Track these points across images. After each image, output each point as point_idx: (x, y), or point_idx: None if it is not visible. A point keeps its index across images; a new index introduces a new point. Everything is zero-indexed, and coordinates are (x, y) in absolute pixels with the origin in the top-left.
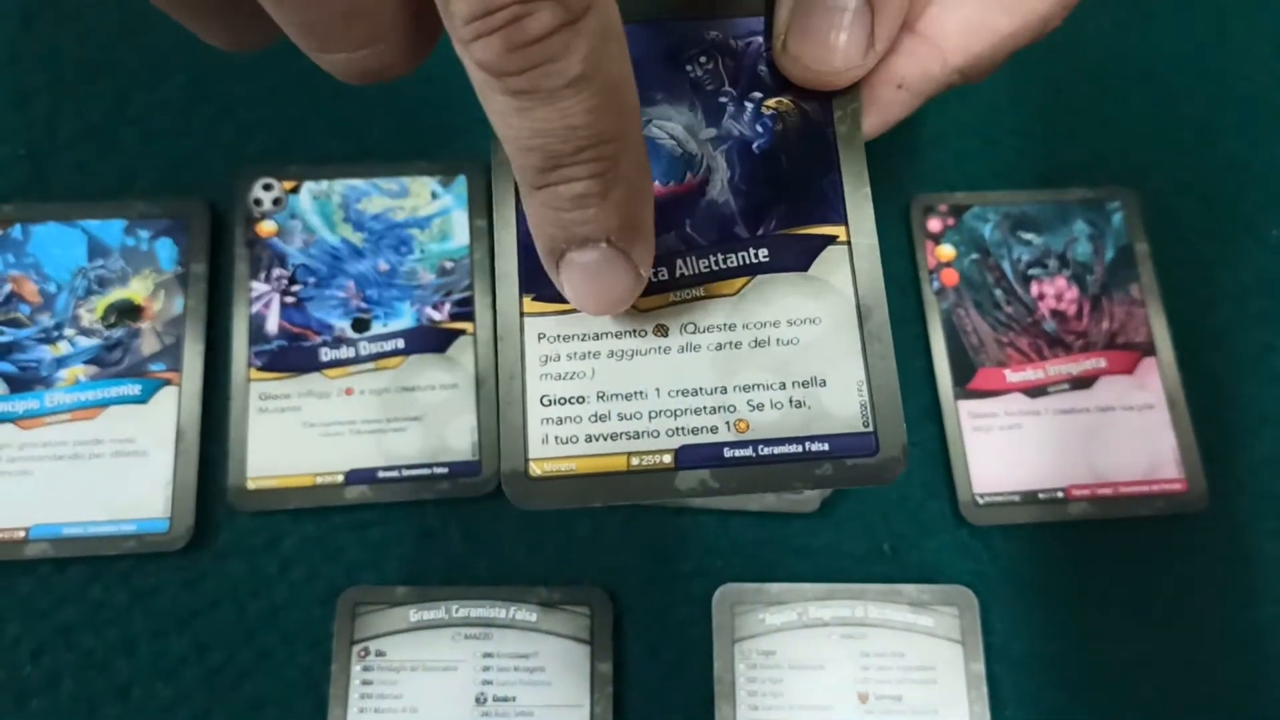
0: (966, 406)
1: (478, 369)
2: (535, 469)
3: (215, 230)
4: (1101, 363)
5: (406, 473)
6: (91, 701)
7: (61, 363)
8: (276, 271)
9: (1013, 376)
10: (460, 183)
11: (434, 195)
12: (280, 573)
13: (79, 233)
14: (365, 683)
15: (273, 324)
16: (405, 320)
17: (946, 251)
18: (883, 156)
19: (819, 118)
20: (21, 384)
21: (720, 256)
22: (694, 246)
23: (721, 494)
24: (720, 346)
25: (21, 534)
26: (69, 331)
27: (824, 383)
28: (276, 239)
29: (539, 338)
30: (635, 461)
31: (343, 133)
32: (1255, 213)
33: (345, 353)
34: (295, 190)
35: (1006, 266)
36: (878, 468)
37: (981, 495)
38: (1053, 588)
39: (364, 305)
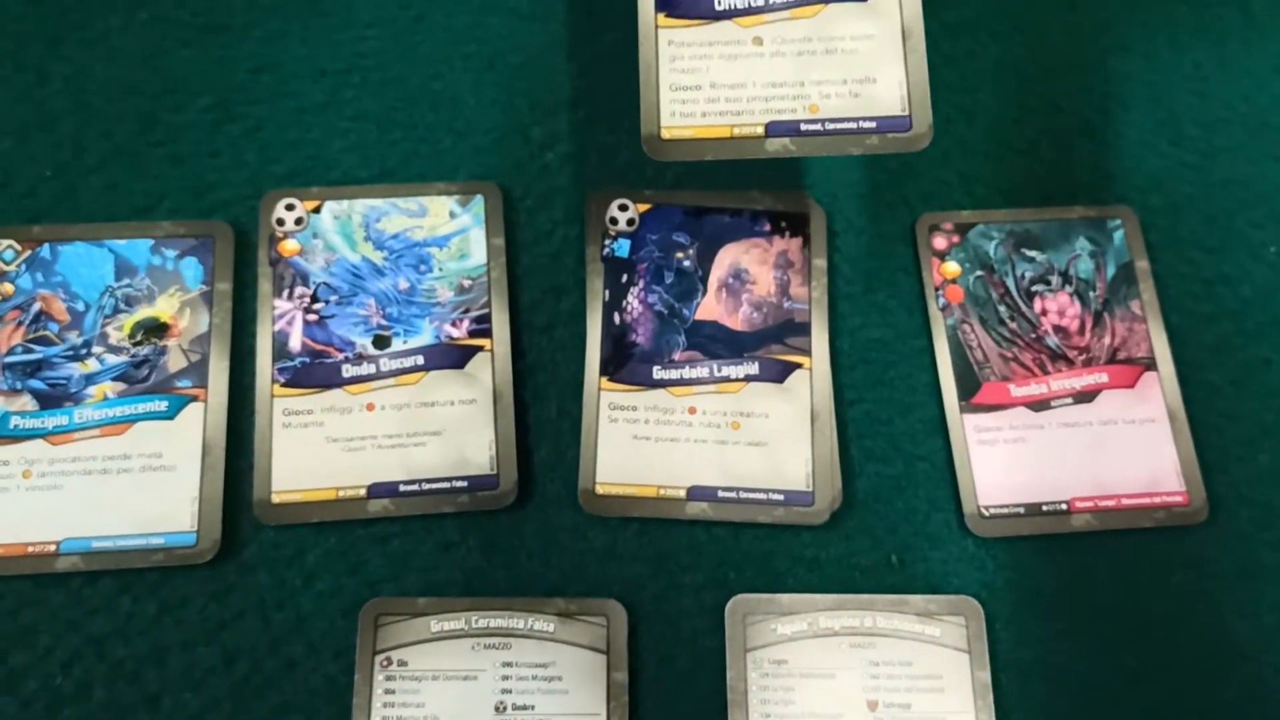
0: (971, 420)
1: (495, 385)
2: (665, 134)
3: (239, 249)
4: (1103, 377)
5: (427, 486)
6: (122, 710)
7: (90, 379)
8: (299, 290)
9: (1017, 391)
10: (477, 202)
11: (452, 215)
12: (305, 584)
13: (106, 252)
14: (388, 691)
15: (296, 341)
16: (425, 337)
17: (952, 268)
18: (889, 177)
19: None
20: (51, 400)
21: None
22: None
23: (797, 154)
24: (801, 53)
25: (53, 547)
26: (97, 349)
27: (875, 80)
28: (299, 258)
29: (668, 43)
30: (737, 131)
31: (363, 154)
32: (1253, 231)
33: (366, 369)
34: (317, 210)
35: (1010, 283)
36: (911, 139)
37: (986, 508)
38: (1057, 598)
39: (384, 322)
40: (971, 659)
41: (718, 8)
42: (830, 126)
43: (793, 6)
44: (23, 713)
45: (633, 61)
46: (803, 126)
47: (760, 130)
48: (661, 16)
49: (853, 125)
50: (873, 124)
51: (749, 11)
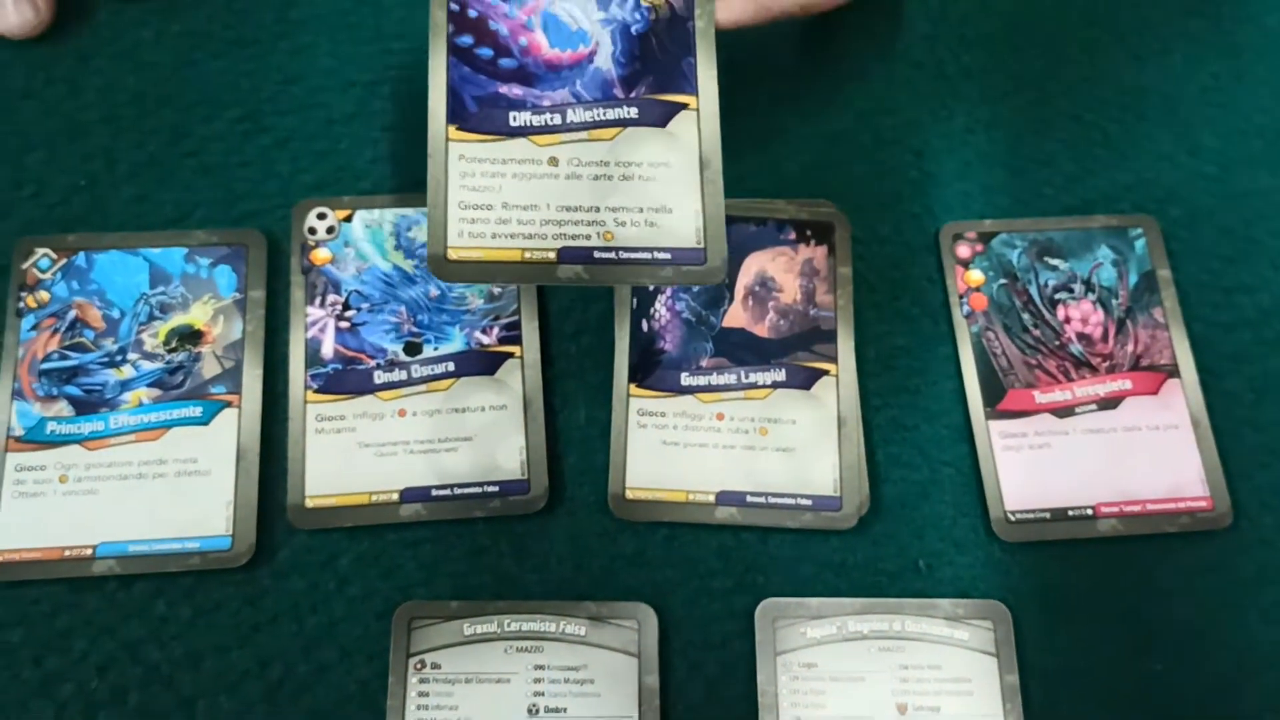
0: (997, 426)
1: (525, 391)
2: (452, 254)
3: (271, 258)
4: (1127, 384)
5: (459, 491)
6: (157, 714)
7: (126, 385)
8: (331, 297)
9: (1041, 397)
10: None
11: None
12: (338, 589)
13: (141, 260)
14: (422, 694)
15: (328, 348)
16: (455, 344)
17: (975, 277)
18: (912, 188)
19: (683, 12)
20: (87, 406)
21: (601, 110)
22: (581, 101)
23: (589, 283)
24: (597, 177)
25: (89, 551)
26: (132, 355)
27: (670, 210)
28: (331, 266)
29: (459, 158)
30: (528, 255)
31: (392, 165)
32: (1271, 240)
33: (398, 375)
34: (348, 219)
35: (1034, 291)
36: (705, 272)
37: (1013, 513)
38: (1083, 602)
39: (415, 330)
40: (1000, 663)
41: (513, 124)
42: (624, 255)
43: (591, 128)
44: (59, 716)
45: None
46: (596, 254)
47: (552, 256)
48: (453, 129)
49: (646, 255)
50: (666, 255)
51: (545, 130)
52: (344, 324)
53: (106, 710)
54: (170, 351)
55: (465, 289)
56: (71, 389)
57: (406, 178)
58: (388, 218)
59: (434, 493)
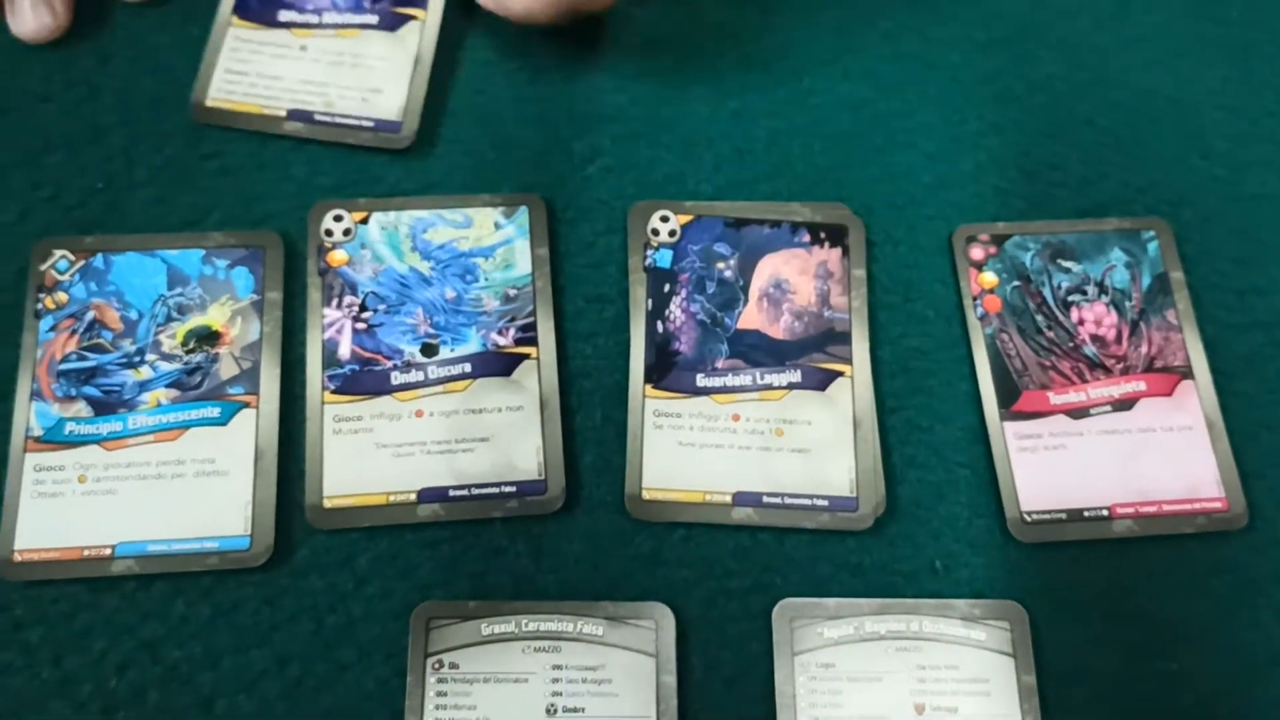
0: (1012, 428)
1: (542, 392)
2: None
3: (289, 260)
4: (1141, 385)
5: (476, 492)
6: (176, 714)
7: (144, 386)
8: (347, 299)
9: (1056, 399)
10: (522, 214)
11: (497, 226)
12: (356, 588)
13: (159, 262)
14: (440, 694)
15: (345, 349)
16: (472, 345)
17: (989, 279)
18: (928, 189)
19: None
20: (106, 407)
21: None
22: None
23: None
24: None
25: (108, 551)
26: (150, 356)
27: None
28: (347, 268)
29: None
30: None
31: (406, 167)
32: None
33: (415, 376)
34: (364, 221)
35: (1047, 293)
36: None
37: (1029, 513)
38: (1099, 602)
39: (432, 331)
40: (1017, 663)
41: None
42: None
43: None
44: (78, 715)
45: (672, 80)
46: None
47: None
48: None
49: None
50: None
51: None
52: (361, 325)
53: (126, 709)
54: (188, 352)
55: (482, 289)
56: (90, 390)
57: (421, 180)
58: (404, 220)
59: (451, 493)
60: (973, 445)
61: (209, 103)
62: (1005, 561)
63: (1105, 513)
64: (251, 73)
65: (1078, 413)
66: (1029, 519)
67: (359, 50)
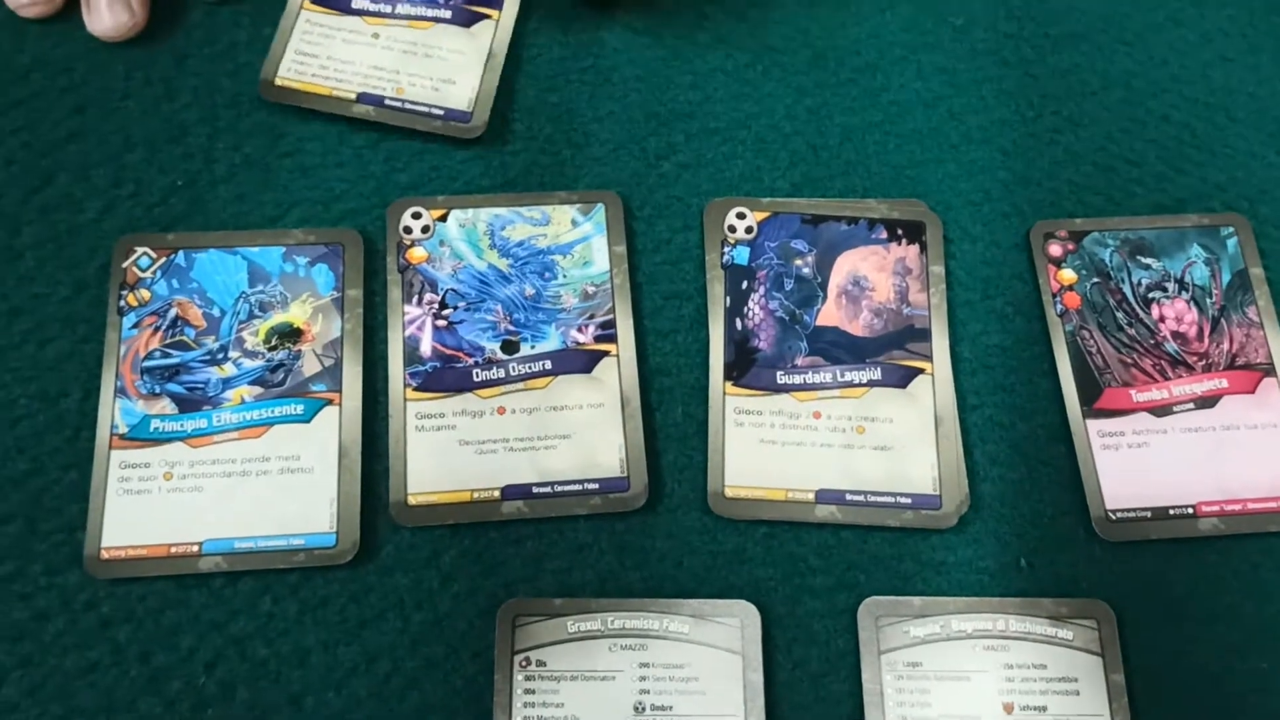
0: (1095, 425)
1: (623, 389)
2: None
3: (368, 257)
4: (1223, 383)
5: (559, 489)
6: (265, 710)
7: (228, 383)
8: (427, 296)
9: (1138, 396)
10: (599, 211)
11: (574, 223)
12: (442, 585)
13: (240, 259)
14: (528, 691)
15: (426, 346)
16: (552, 342)
17: (1068, 275)
18: (1004, 187)
19: None
20: (190, 404)
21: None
22: None
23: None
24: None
25: (195, 548)
26: (233, 353)
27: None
28: (426, 265)
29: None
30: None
31: (484, 165)
32: None
33: (496, 373)
34: (443, 219)
35: (1127, 290)
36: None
37: (1114, 511)
38: (1187, 601)
39: (512, 328)
40: (1105, 662)
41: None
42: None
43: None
44: (168, 713)
45: (747, 76)
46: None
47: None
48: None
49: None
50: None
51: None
52: (441, 322)
53: (215, 706)
54: (270, 349)
55: (560, 286)
56: (174, 386)
57: (498, 178)
58: (482, 217)
59: (535, 490)
60: (1055, 443)
61: (278, 81)
62: (1090, 560)
63: (1190, 511)
64: (322, 55)
65: (1160, 410)
66: (1114, 517)
67: (431, 41)
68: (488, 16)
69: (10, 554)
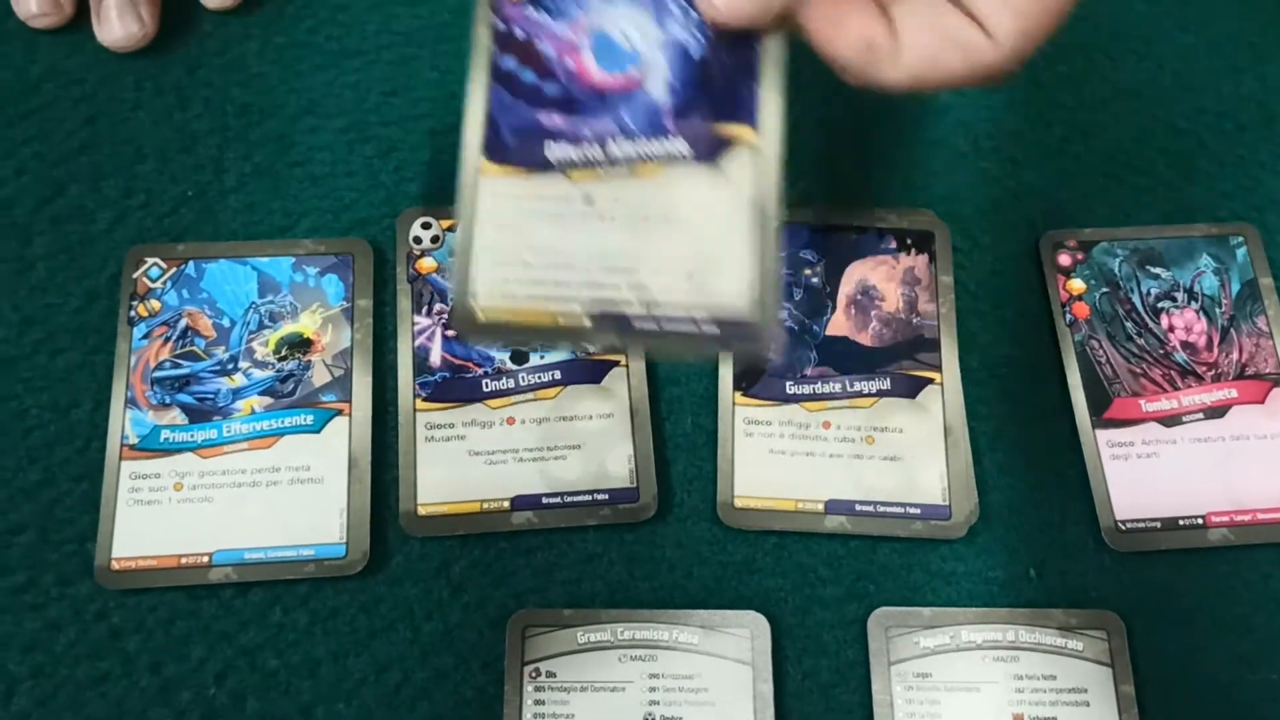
0: (1104, 435)
1: (632, 399)
2: (480, 315)
3: (378, 267)
4: (1233, 393)
5: (569, 499)
6: None
7: (238, 394)
8: (437, 306)
9: (1148, 406)
10: None
11: None
12: (452, 596)
13: (250, 269)
14: (538, 702)
15: (436, 356)
16: (560, 353)
17: (1077, 285)
18: (1013, 196)
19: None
20: (200, 414)
21: (647, 143)
22: (626, 132)
23: (628, 349)
24: (634, 221)
25: (205, 559)
26: (243, 364)
27: (718, 265)
28: (436, 275)
29: (491, 195)
30: (560, 321)
31: None
32: None
33: (505, 384)
34: (452, 229)
35: (1136, 299)
36: (755, 346)
37: (1123, 522)
38: (1198, 612)
39: None
40: (1115, 673)
41: (548, 156)
42: (667, 326)
43: (633, 163)
44: None
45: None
46: (635, 322)
47: (587, 322)
48: (485, 162)
49: (690, 325)
50: (714, 327)
51: (583, 165)
52: (451, 333)
53: (226, 717)
54: (280, 360)
55: None
56: (184, 397)
57: None
58: None
59: (544, 500)
60: (1064, 453)
61: (482, 317)
62: (1100, 570)
63: (1200, 521)
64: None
65: (1170, 420)
66: (1124, 527)
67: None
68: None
69: (22, 564)
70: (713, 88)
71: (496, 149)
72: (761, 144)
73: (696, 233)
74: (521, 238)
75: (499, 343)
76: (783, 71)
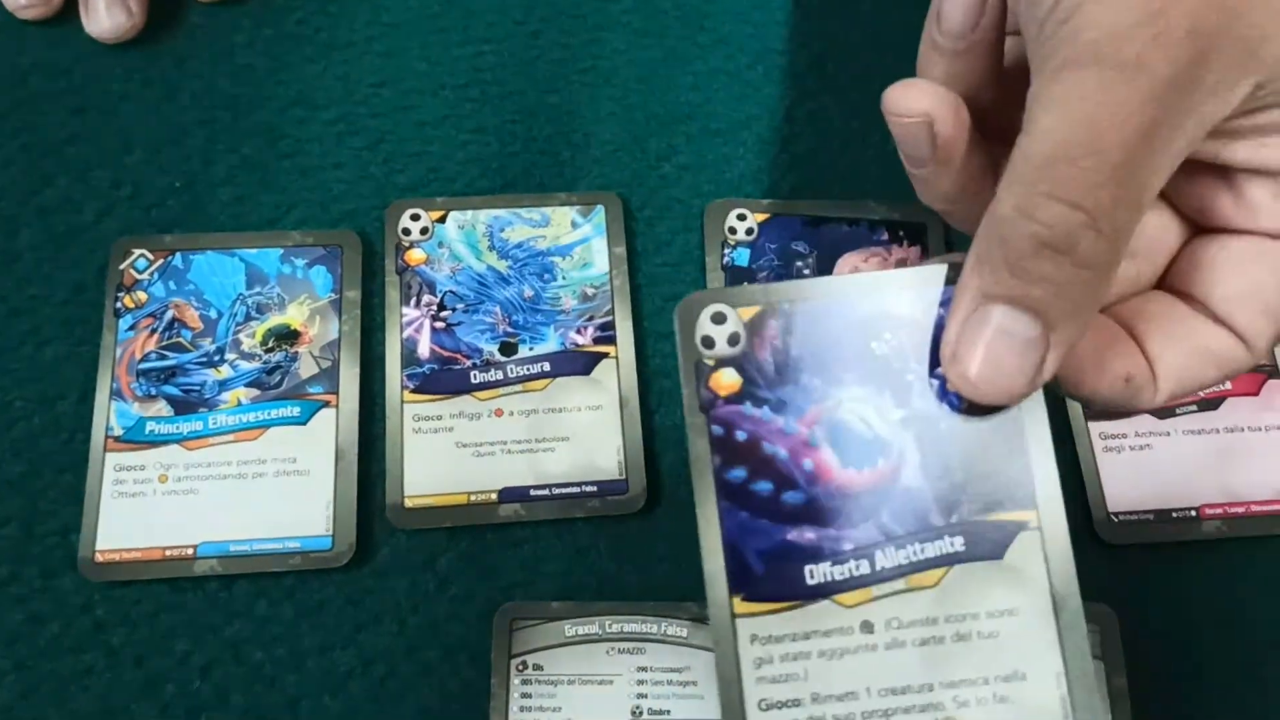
0: (1097, 428)
1: (621, 390)
2: None
3: (366, 259)
4: (1227, 385)
5: (557, 491)
6: (261, 714)
7: (224, 385)
8: (426, 298)
9: None
10: (598, 212)
11: (574, 225)
12: (439, 589)
13: (237, 261)
14: (524, 695)
15: (424, 348)
16: (550, 344)
17: None
18: None
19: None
20: (186, 406)
21: (918, 547)
22: (892, 537)
23: None
24: (924, 642)
25: (190, 551)
26: (230, 355)
27: (1024, 677)
28: (425, 267)
29: (751, 639)
30: None
31: (483, 166)
32: None
33: (494, 375)
34: (442, 220)
35: None
36: None
37: (1116, 514)
38: (1191, 605)
39: (510, 330)
40: (1107, 666)
41: (810, 582)
42: None
43: (908, 573)
44: (162, 717)
45: (747, 81)
46: None
47: None
48: (738, 600)
49: None
50: None
51: (851, 585)
52: (439, 324)
53: (210, 711)
54: (268, 351)
55: (560, 288)
56: (170, 389)
57: (497, 179)
58: (481, 218)
59: (533, 493)
60: (1056, 444)
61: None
62: (1092, 563)
63: (1194, 513)
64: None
65: (1163, 412)
66: (1116, 519)
67: None
68: None
69: (5, 557)
70: (977, 467)
71: (747, 583)
72: (1045, 524)
73: (994, 643)
74: (796, 684)
75: None
76: (1049, 433)
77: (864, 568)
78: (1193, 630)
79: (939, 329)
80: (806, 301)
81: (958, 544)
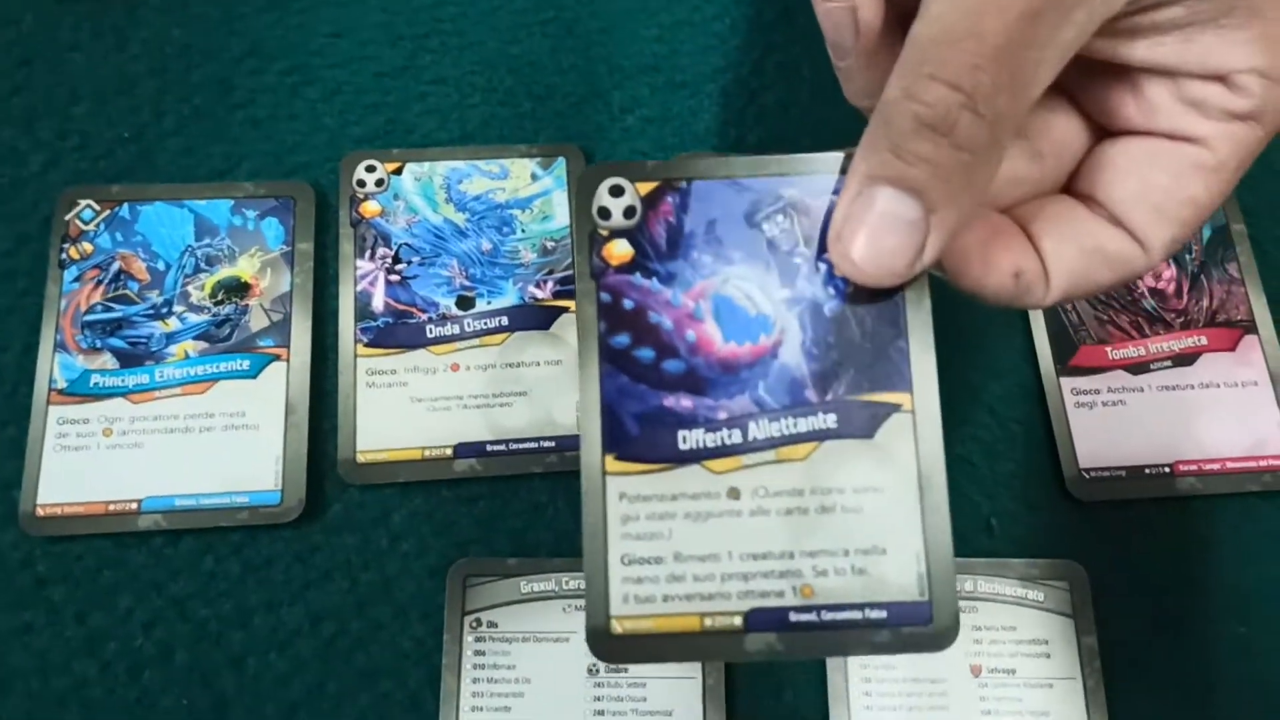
0: (1069, 383)
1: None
2: (616, 626)
3: (320, 211)
4: (1202, 340)
5: (514, 447)
6: (205, 673)
7: (171, 338)
8: (381, 251)
9: (1114, 354)
10: (559, 165)
11: (534, 177)
12: (391, 545)
13: (186, 212)
14: (478, 653)
15: (378, 301)
16: (509, 298)
17: None
18: None
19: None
20: (132, 359)
21: (791, 421)
22: (766, 409)
23: (785, 657)
24: (789, 511)
25: (134, 506)
26: (178, 308)
27: (884, 551)
28: (380, 219)
29: (620, 497)
30: (708, 623)
31: (441, 118)
32: None
33: (450, 329)
34: (398, 172)
35: None
36: (932, 636)
37: (1088, 470)
38: (1163, 562)
39: (468, 283)
40: (1077, 624)
41: (682, 447)
42: (827, 617)
43: (779, 445)
44: (103, 675)
45: (713, 32)
46: (792, 617)
47: (738, 622)
48: (610, 459)
49: (856, 615)
50: (882, 613)
51: (722, 452)
52: (394, 277)
53: (153, 668)
54: (216, 304)
55: (519, 241)
56: (116, 341)
57: (456, 131)
58: (438, 170)
59: (489, 448)
60: (1028, 401)
61: (619, 628)
62: (1063, 520)
63: (1167, 470)
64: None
65: (1137, 368)
66: (1088, 476)
67: None
68: None
69: None
70: (856, 349)
71: (621, 443)
72: (919, 409)
73: (857, 517)
74: (659, 542)
75: (637, 660)
76: (931, 321)
77: (736, 437)
78: (1165, 588)
79: (830, 215)
80: (704, 180)
81: (830, 420)
